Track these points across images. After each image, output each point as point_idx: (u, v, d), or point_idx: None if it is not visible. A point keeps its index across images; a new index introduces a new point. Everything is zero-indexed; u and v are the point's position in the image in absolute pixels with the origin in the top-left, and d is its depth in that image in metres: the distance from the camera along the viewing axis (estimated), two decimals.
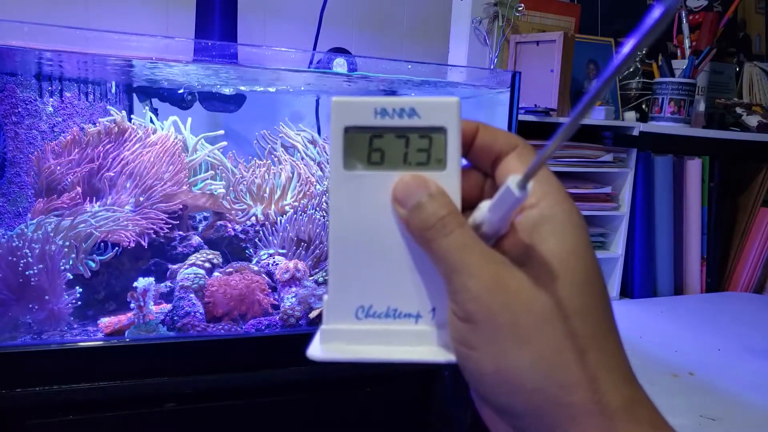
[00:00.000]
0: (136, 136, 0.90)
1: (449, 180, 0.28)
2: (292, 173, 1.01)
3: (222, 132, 0.98)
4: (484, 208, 0.28)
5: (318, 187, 0.99)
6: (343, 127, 0.29)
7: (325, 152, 1.08)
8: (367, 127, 0.29)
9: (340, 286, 0.30)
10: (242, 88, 1.13)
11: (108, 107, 0.97)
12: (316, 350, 0.30)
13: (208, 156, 0.95)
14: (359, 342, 0.30)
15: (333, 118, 0.29)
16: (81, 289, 0.78)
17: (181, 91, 1.06)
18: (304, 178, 1.01)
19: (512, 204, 0.26)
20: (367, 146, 0.29)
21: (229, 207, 0.97)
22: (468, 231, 0.27)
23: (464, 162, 0.30)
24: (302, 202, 0.98)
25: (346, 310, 0.30)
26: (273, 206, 0.98)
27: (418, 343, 0.29)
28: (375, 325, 0.30)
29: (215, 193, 0.96)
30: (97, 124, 0.92)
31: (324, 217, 0.93)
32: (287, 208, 0.98)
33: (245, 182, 0.98)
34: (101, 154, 0.87)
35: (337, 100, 0.28)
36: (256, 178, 0.99)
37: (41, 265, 0.72)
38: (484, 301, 0.26)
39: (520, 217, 0.27)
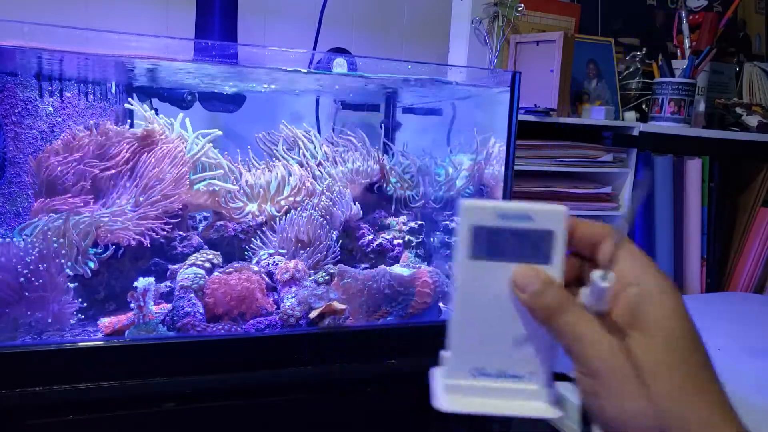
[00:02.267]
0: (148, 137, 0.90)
1: (554, 271, 0.36)
2: (287, 171, 1.01)
3: (220, 132, 0.98)
4: (582, 294, 0.36)
5: (318, 186, 0.99)
6: (470, 226, 0.36)
7: (325, 152, 1.08)
8: (489, 228, 0.36)
9: (459, 350, 0.38)
10: (242, 87, 1.13)
11: (129, 101, 0.96)
12: (443, 402, 0.39)
13: (206, 157, 0.95)
14: (475, 396, 0.38)
15: (462, 216, 0.36)
16: (80, 297, 0.78)
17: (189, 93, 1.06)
18: (300, 176, 1.01)
19: (600, 292, 0.34)
20: (489, 242, 0.36)
21: (225, 206, 0.97)
22: (581, 309, 0.35)
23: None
24: (299, 199, 0.98)
25: (463, 369, 0.38)
26: (269, 203, 0.98)
27: (525, 399, 0.37)
28: (487, 383, 0.38)
29: (215, 191, 0.96)
30: (100, 125, 0.92)
31: (324, 218, 0.93)
32: (282, 202, 0.98)
33: (239, 182, 0.98)
34: (103, 155, 0.87)
35: (466, 203, 0.36)
36: (249, 177, 0.99)
37: (41, 266, 0.72)
38: (606, 361, 0.33)
39: (625, 292, 0.34)
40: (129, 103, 0.97)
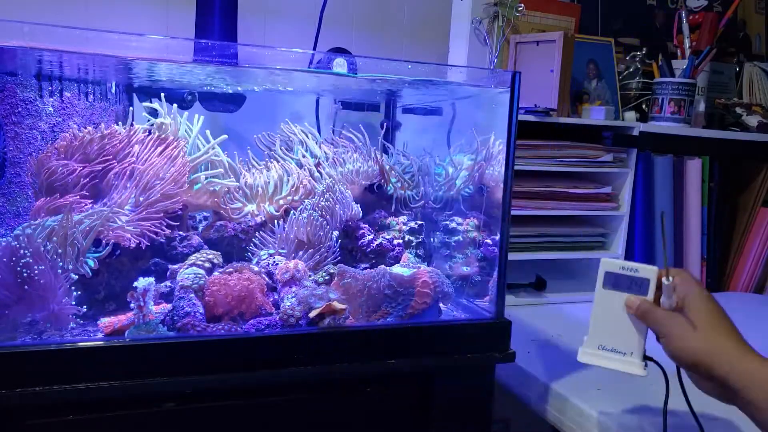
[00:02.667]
0: (139, 137, 0.90)
1: (648, 298, 0.69)
2: (284, 171, 1.01)
3: (225, 136, 0.98)
4: (661, 300, 0.68)
5: (318, 187, 0.99)
6: (604, 271, 0.71)
7: (325, 152, 1.08)
8: (614, 273, 0.71)
9: (594, 336, 0.72)
10: (242, 87, 1.13)
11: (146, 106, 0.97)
12: (582, 357, 0.73)
13: (213, 156, 0.95)
14: (599, 358, 0.72)
15: (601, 265, 0.72)
16: (78, 292, 0.78)
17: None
18: (298, 175, 1.01)
19: (667, 288, 0.67)
20: (614, 280, 0.71)
21: (224, 206, 0.97)
22: (661, 309, 0.68)
23: None
24: (297, 198, 0.98)
25: (593, 345, 0.72)
26: (267, 202, 0.98)
27: (626, 364, 0.71)
28: (606, 353, 0.72)
29: (215, 190, 0.96)
30: (101, 125, 0.92)
31: (324, 218, 0.93)
32: (281, 202, 0.98)
33: (239, 182, 0.98)
34: (103, 155, 0.87)
35: (603, 260, 0.72)
36: (248, 177, 0.99)
37: (41, 266, 0.72)
38: (677, 324, 0.66)
39: (683, 296, 0.66)
40: (150, 102, 0.98)
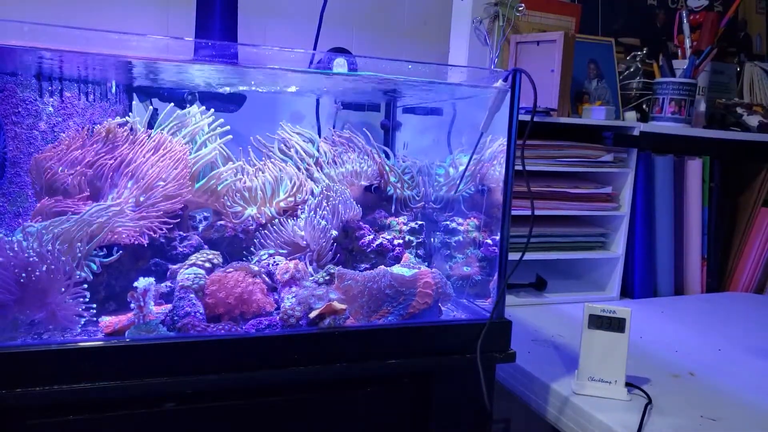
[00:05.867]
0: (141, 138, 0.90)
1: (624, 337, 0.88)
2: (281, 172, 1.01)
3: (230, 137, 0.98)
4: None
5: (316, 188, 0.99)
6: (588, 314, 0.89)
7: (324, 152, 1.08)
8: (596, 316, 0.89)
9: (584, 369, 0.90)
10: (242, 87, 1.13)
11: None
12: (577, 389, 0.89)
13: (219, 148, 0.96)
14: (590, 389, 0.89)
15: (585, 310, 0.90)
16: (81, 298, 0.78)
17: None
18: (297, 176, 1.01)
19: None
20: (596, 322, 0.89)
21: (224, 210, 0.97)
22: None
23: None
24: (297, 197, 0.98)
25: (585, 377, 0.89)
26: (267, 204, 0.98)
27: (611, 391, 0.88)
28: (596, 383, 0.89)
29: (217, 190, 0.96)
30: (102, 125, 0.92)
31: (324, 218, 0.93)
32: (282, 204, 0.98)
33: (236, 186, 0.98)
34: (104, 155, 0.87)
35: (588, 305, 0.90)
36: (246, 181, 0.99)
37: (42, 266, 0.72)
38: None
39: None
40: (150, 102, 0.98)
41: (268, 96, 1.17)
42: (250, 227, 0.96)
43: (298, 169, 1.04)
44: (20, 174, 0.92)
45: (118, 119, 0.93)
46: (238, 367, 0.72)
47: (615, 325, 0.87)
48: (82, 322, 0.76)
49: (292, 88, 1.14)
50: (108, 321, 0.76)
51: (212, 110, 0.99)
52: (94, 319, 0.77)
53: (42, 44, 0.72)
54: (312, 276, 0.88)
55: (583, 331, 0.88)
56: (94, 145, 0.88)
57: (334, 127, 1.24)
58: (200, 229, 0.99)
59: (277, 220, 0.96)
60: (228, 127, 0.99)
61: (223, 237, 0.96)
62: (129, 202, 0.85)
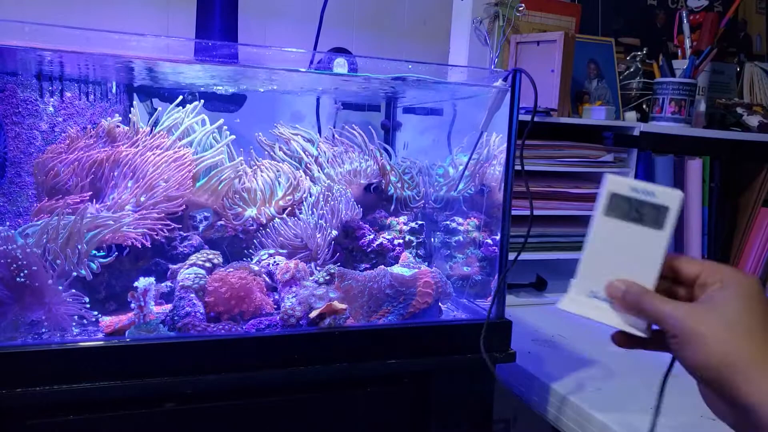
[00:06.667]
0: (144, 138, 0.90)
1: (661, 237, 0.50)
2: (281, 172, 1.01)
3: (233, 136, 0.98)
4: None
5: (314, 188, 0.99)
6: (610, 192, 0.52)
7: (324, 151, 1.08)
8: (622, 196, 0.51)
9: (584, 277, 0.53)
10: (243, 87, 1.13)
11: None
12: (566, 305, 0.53)
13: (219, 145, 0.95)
14: (587, 307, 0.52)
15: (606, 184, 0.52)
16: (81, 298, 0.78)
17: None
18: (294, 175, 1.01)
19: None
20: (620, 206, 0.51)
21: (224, 212, 0.97)
22: (655, 294, 0.49)
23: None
24: (295, 197, 0.98)
25: (585, 290, 0.53)
26: (266, 204, 0.98)
27: (616, 317, 0.51)
28: (596, 302, 0.52)
29: (218, 189, 0.96)
30: (101, 124, 0.92)
31: (324, 218, 0.93)
32: (280, 203, 0.98)
33: (235, 187, 0.98)
34: (104, 155, 0.87)
35: (610, 176, 0.52)
36: (245, 182, 0.99)
37: (41, 267, 0.72)
38: (685, 325, 0.47)
39: (707, 284, 0.48)
40: (151, 102, 0.97)
41: (268, 96, 1.17)
42: (251, 227, 0.96)
43: (298, 168, 1.04)
44: (21, 174, 0.92)
45: (118, 117, 0.93)
46: (238, 367, 0.72)
47: (650, 216, 0.51)
48: (84, 322, 0.76)
49: (292, 88, 1.14)
50: (108, 321, 0.76)
51: (201, 106, 0.99)
52: (94, 319, 0.77)
53: (42, 44, 0.72)
54: (312, 276, 0.88)
55: (596, 217, 0.53)
56: (95, 146, 0.88)
57: (334, 127, 1.25)
58: (200, 229, 0.99)
59: (277, 220, 0.96)
60: (223, 125, 0.99)
61: (223, 237, 0.96)
62: (130, 201, 0.85)
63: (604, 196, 0.52)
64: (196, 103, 0.98)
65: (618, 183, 0.52)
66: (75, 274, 0.76)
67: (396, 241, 0.99)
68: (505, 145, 0.86)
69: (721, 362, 0.44)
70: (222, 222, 0.97)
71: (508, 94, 0.86)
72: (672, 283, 0.52)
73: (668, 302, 0.48)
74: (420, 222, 1.07)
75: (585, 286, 0.53)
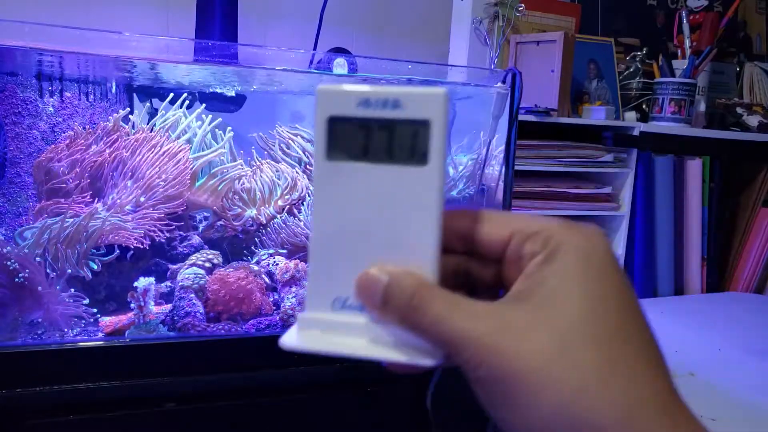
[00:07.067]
0: (142, 137, 0.90)
1: (431, 176, 0.27)
2: (277, 172, 1.01)
3: (231, 133, 0.99)
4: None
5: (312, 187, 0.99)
6: (327, 117, 0.28)
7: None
8: (350, 118, 0.27)
9: (319, 276, 0.29)
10: (243, 87, 1.13)
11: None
12: (291, 338, 0.29)
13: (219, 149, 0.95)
14: (333, 333, 0.28)
15: (317, 106, 0.28)
16: (81, 299, 0.78)
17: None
18: (292, 176, 1.01)
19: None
20: (351, 137, 0.27)
21: (223, 213, 0.97)
22: (439, 292, 0.26)
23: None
24: (294, 196, 0.98)
25: (323, 300, 0.29)
26: (265, 204, 0.98)
27: (390, 344, 0.28)
28: (349, 317, 0.28)
29: (218, 189, 0.96)
30: (102, 125, 0.92)
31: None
32: (280, 202, 0.98)
33: (235, 188, 0.98)
34: (104, 155, 0.87)
35: (321, 88, 0.27)
36: (244, 183, 0.99)
37: (40, 267, 0.72)
38: (491, 357, 0.24)
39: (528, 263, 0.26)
40: (151, 102, 0.97)
41: (268, 96, 1.17)
42: (251, 228, 0.97)
43: (294, 167, 1.04)
44: (21, 174, 0.92)
45: (123, 112, 0.93)
46: (238, 367, 0.72)
47: (401, 143, 0.27)
48: (82, 324, 0.76)
49: (292, 88, 1.14)
50: (108, 321, 0.76)
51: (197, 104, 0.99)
52: (93, 319, 0.77)
53: (42, 44, 0.72)
54: None
55: (316, 167, 0.28)
56: (95, 146, 0.88)
57: None
58: (200, 229, 0.99)
59: (278, 218, 0.96)
60: (222, 122, 0.99)
61: (223, 237, 0.96)
62: (130, 201, 0.85)
63: (320, 126, 0.28)
64: (197, 104, 0.98)
65: (338, 98, 0.27)
66: (73, 273, 0.76)
67: None
68: (487, 142, 0.86)
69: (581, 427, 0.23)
70: (222, 222, 0.97)
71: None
72: (468, 259, 0.29)
73: (458, 308, 0.25)
74: None
75: (322, 293, 0.29)
